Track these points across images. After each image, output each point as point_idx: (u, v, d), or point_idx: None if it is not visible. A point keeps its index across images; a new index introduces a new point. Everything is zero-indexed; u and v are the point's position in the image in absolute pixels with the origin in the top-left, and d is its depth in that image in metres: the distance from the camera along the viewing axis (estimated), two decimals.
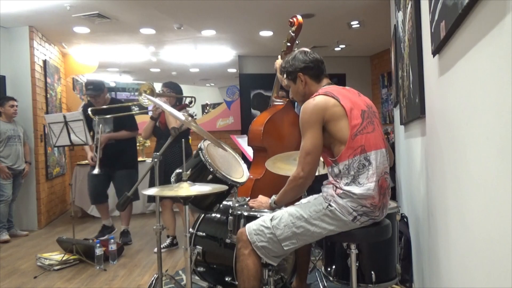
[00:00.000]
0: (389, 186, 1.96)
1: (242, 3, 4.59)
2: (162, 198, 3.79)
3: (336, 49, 6.92)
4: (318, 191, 1.96)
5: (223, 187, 2.02)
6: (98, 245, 3.50)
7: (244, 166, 2.51)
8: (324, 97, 1.90)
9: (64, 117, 3.60)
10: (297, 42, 3.02)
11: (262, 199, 2.24)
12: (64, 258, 3.54)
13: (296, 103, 3.23)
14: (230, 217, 2.25)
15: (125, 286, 3.11)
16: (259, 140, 3.16)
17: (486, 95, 0.89)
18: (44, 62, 5.53)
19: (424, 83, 1.87)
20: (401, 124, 3.21)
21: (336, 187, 1.86)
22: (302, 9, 4.76)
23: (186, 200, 1.95)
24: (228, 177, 2.26)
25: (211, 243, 2.43)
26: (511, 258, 0.73)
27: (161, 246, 3.15)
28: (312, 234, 1.88)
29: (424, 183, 2.04)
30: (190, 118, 2.20)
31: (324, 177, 2.03)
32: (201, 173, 2.27)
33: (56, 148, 5.70)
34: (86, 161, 4.58)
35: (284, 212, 1.94)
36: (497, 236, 0.82)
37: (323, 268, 2.50)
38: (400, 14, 2.88)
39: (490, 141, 0.86)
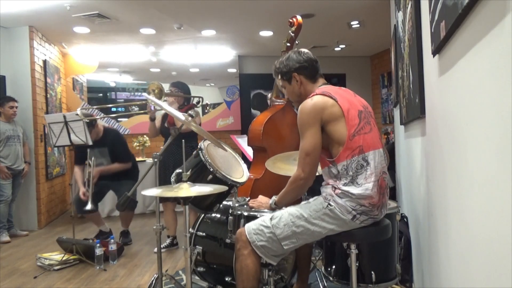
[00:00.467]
0: (388, 185, 1.96)
1: (242, 3, 4.59)
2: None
3: (336, 49, 6.92)
4: (319, 191, 1.96)
5: (223, 188, 2.02)
6: (98, 245, 3.50)
7: (244, 166, 2.51)
8: (322, 97, 1.89)
9: (64, 117, 3.60)
10: (297, 42, 3.02)
11: (262, 199, 2.24)
12: (64, 258, 3.54)
13: None
14: (230, 217, 2.25)
15: (125, 286, 3.11)
16: (259, 140, 3.16)
17: (486, 95, 0.89)
18: (44, 62, 5.53)
19: (424, 83, 1.86)
20: (401, 124, 3.21)
21: (335, 187, 1.86)
22: (302, 9, 4.76)
23: (186, 200, 1.95)
24: (228, 177, 2.26)
25: (211, 243, 2.43)
26: (511, 258, 0.73)
27: (161, 246, 3.15)
28: (312, 234, 1.88)
29: (424, 183, 2.03)
30: (190, 118, 2.20)
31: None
32: (201, 173, 2.27)
33: (56, 148, 5.70)
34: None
35: (284, 212, 1.94)
36: (497, 236, 0.82)
37: (323, 268, 2.50)
38: (400, 14, 2.88)
39: (490, 141, 0.86)
